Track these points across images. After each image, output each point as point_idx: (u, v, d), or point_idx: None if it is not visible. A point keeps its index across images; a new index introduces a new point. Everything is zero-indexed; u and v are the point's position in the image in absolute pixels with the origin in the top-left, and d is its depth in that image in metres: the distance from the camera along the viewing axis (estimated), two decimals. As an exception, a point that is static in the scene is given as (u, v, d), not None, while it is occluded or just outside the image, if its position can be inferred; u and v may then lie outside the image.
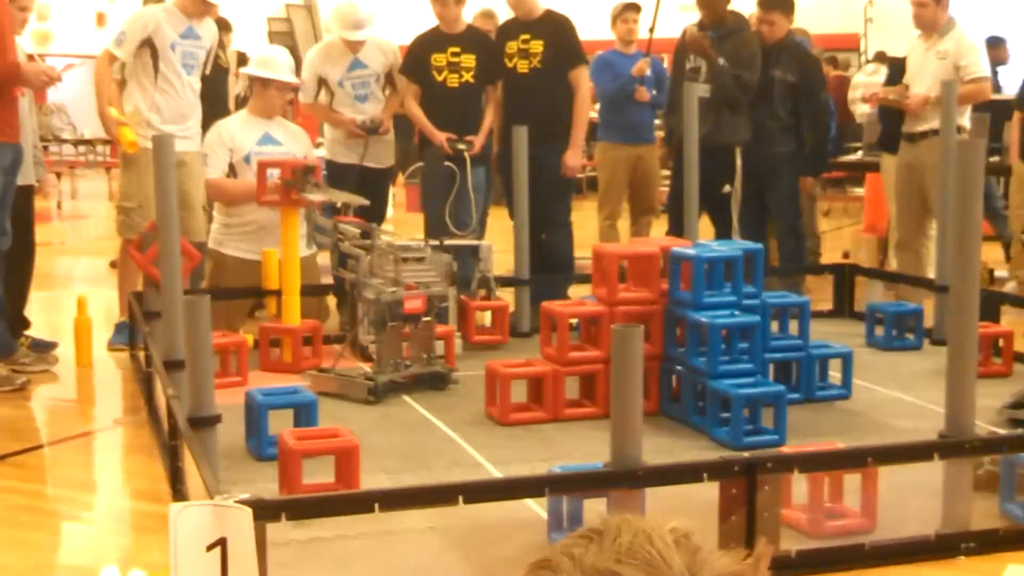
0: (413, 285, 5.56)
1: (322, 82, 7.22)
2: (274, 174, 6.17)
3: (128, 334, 6.47)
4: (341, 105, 7.18)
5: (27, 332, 6.53)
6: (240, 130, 6.83)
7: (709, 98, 7.10)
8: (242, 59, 8.99)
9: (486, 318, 6.61)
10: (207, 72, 6.78)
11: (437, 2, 7.17)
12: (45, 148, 7.50)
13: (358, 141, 7.10)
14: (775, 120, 7.56)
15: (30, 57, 6.01)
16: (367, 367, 5.60)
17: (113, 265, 9.41)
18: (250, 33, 10.24)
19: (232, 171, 6.81)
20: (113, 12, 20.49)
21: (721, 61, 7.32)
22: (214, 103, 7.19)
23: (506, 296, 6.65)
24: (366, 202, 6.07)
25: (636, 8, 8.84)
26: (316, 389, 5.33)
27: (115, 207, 6.90)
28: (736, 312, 4.88)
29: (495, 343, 6.35)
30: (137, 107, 6.52)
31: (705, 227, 7.18)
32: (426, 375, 5.50)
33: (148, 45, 6.48)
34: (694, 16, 7.70)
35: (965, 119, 7.24)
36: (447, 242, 6.24)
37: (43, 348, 6.39)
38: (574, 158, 7.21)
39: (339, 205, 6.08)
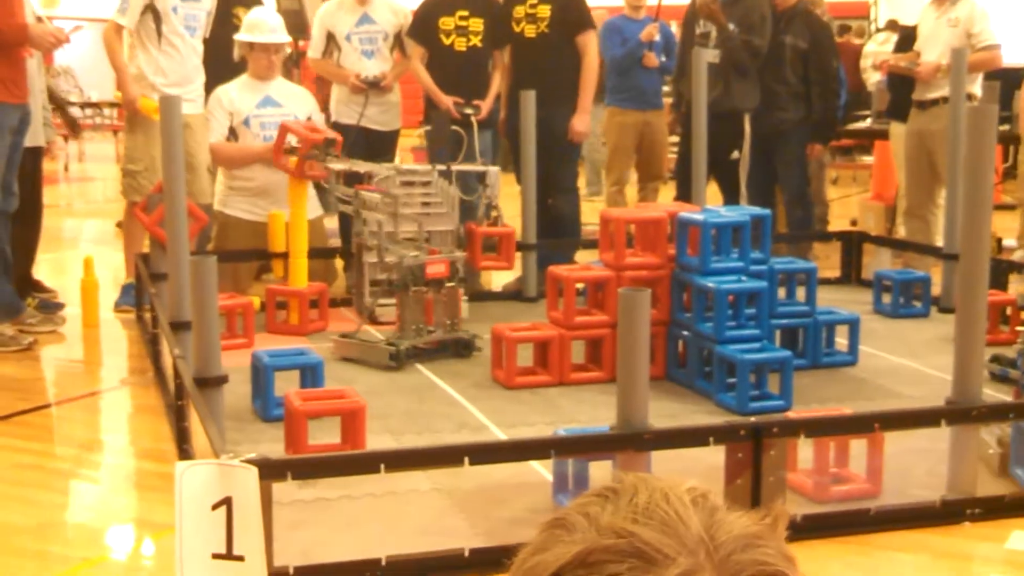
0: (436, 250, 5.55)
1: (331, 38, 7.19)
2: (291, 140, 6.14)
3: (134, 295, 6.47)
4: (347, 61, 7.15)
5: (43, 296, 6.55)
6: (240, 94, 6.81)
7: (718, 64, 7.06)
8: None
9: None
10: (206, 35, 6.75)
11: (447, -35, 7.13)
12: (53, 110, 7.44)
13: (359, 97, 7.07)
14: (785, 86, 7.52)
15: (38, 19, 5.99)
16: (376, 331, 5.59)
17: (120, 226, 9.41)
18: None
19: (232, 135, 6.80)
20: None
21: (731, 26, 7.27)
22: (226, 64, 7.15)
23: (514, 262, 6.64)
24: (388, 172, 6.04)
25: None
26: (339, 354, 5.34)
27: (121, 170, 6.89)
28: (743, 278, 4.87)
29: (500, 268, 6.38)
30: (140, 69, 6.50)
31: (713, 193, 7.16)
32: (450, 341, 5.47)
33: (150, 10, 6.46)
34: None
35: (976, 87, 7.20)
36: (454, 167, 6.25)
37: (50, 309, 6.40)
38: (582, 123, 7.18)
39: (362, 172, 6.05)
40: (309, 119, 6.72)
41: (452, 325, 5.48)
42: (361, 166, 5.96)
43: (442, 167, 6.17)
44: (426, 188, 6.03)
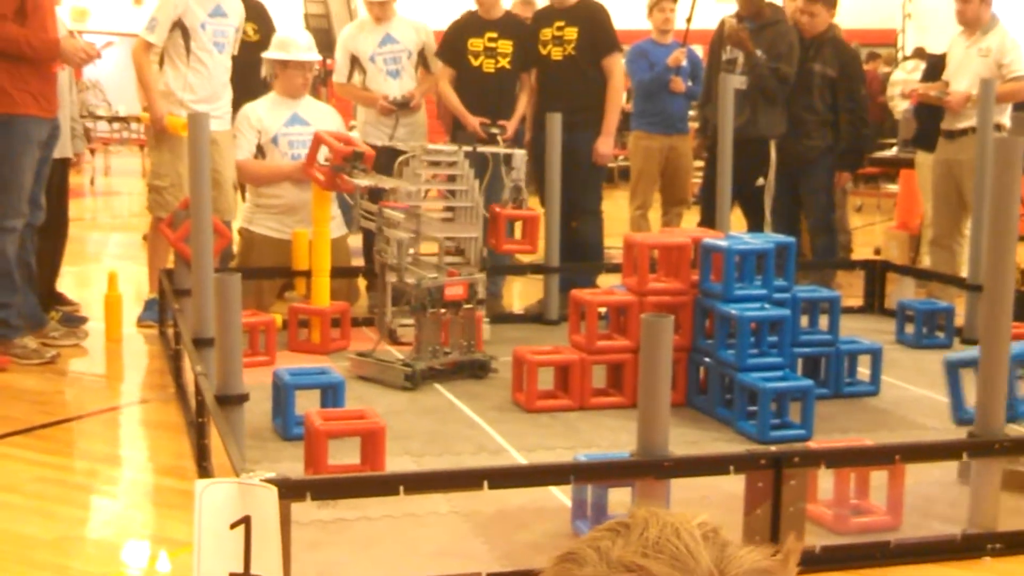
0: (455, 271, 5.56)
1: (355, 61, 7.22)
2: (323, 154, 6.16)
3: (157, 311, 6.50)
4: (373, 82, 7.18)
5: (67, 309, 6.58)
6: (268, 112, 6.84)
7: (745, 90, 7.06)
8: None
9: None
10: (235, 52, 6.78)
11: (477, -14, 7.17)
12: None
13: (388, 118, 7.09)
14: (812, 113, 7.51)
15: (70, 34, 6.04)
16: (395, 350, 5.60)
17: (146, 239, 9.46)
18: (286, 15, 10.23)
19: (260, 152, 6.83)
20: (150, -9, 20.61)
21: (759, 53, 7.27)
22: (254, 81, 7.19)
23: (536, 284, 6.64)
24: (412, 187, 6.06)
25: None
26: (355, 373, 5.35)
27: (146, 185, 6.92)
28: (766, 305, 4.85)
29: (524, 251, 6.37)
30: (168, 85, 6.54)
31: (737, 219, 7.15)
32: (466, 363, 5.47)
33: (179, 27, 6.50)
34: (730, 7, 7.66)
35: (1005, 117, 7.18)
36: (480, 148, 6.26)
37: (73, 322, 6.43)
38: (606, 146, 7.19)
39: (387, 189, 6.07)
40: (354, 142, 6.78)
41: (469, 347, 5.48)
42: (387, 182, 5.98)
43: (468, 147, 6.19)
44: (452, 169, 6.05)
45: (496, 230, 6.24)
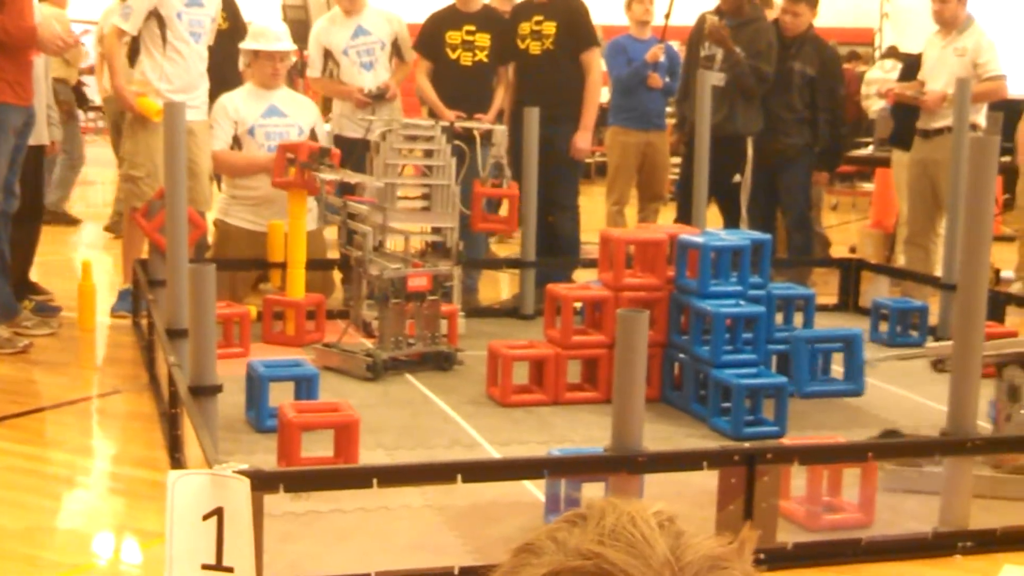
0: (419, 263, 5.56)
1: (328, 55, 7.19)
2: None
3: (131, 301, 6.47)
4: (347, 75, 7.14)
5: (40, 298, 6.54)
6: (244, 103, 6.81)
7: (723, 87, 7.07)
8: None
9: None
10: (211, 42, 6.74)
11: (457, -21, 7.16)
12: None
13: (365, 110, 7.07)
14: (791, 112, 7.53)
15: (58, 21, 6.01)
16: (370, 343, 5.60)
17: (107, 230, 9.43)
18: (265, 5, 10.19)
19: (236, 143, 6.80)
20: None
21: (738, 50, 7.28)
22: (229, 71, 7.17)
23: (510, 278, 6.63)
24: (379, 184, 6.04)
25: None
26: (319, 363, 5.34)
27: (121, 175, 6.87)
28: (741, 302, 4.87)
29: (501, 230, 6.33)
30: (144, 75, 6.50)
31: (712, 216, 7.16)
32: (431, 354, 5.49)
33: (155, 15, 6.43)
34: (709, 3, 7.67)
35: (981, 117, 7.21)
36: (459, 124, 6.24)
37: (47, 312, 6.39)
38: (584, 140, 7.19)
39: (353, 184, 6.06)
40: (312, 131, 6.74)
41: (433, 338, 5.48)
42: (352, 177, 5.97)
43: (445, 123, 6.18)
44: (429, 144, 6.05)
45: (474, 208, 6.21)
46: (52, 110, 7.02)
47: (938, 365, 4.24)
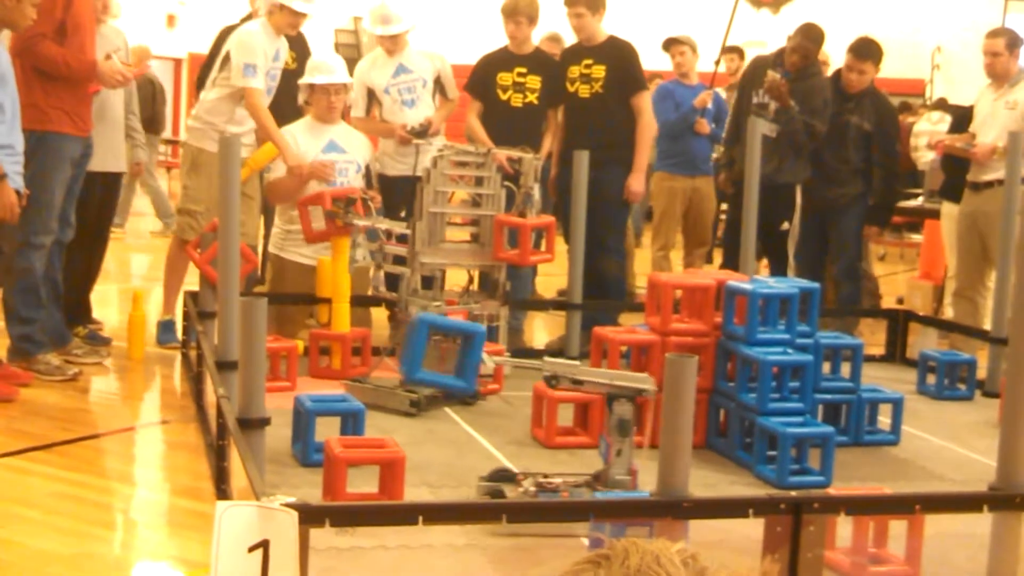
0: (454, 300, 5.59)
1: (371, 95, 7.24)
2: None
3: (174, 331, 6.52)
4: (390, 113, 7.18)
5: (92, 327, 6.61)
6: (304, 137, 6.85)
7: (775, 139, 7.07)
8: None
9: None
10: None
11: (510, 21, 7.21)
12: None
13: (408, 148, 7.09)
14: (845, 164, 7.52)
15: (107, 56, 6.09)
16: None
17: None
18: (318, 44, 10.29)
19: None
20: (183, 14, 20.75)
21: (793, 104, 7.29)
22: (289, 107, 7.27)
23: (558, 319, 6.62)
24: (407, 231, 6.04)
25: (678, 41, 8.81)
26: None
27: (177, 208, 6.94)
28: (789, 350, 4.85)
29: (515, 262, 6.16)
30: (209, 113, 6.60)
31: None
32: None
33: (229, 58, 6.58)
34: (753, 50, 7.68)
35: (1032, 171, 7.17)
36: (494, 150, 6.25)
37: (98, 341, 6.46)
38: (637, 183, 7.19)
39: (383, 229, 6.08)
40: (367, 168, 6.84)
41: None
42: (382, 223, 6.01)
43: (483, 150, 6.26)
44: (479, 171, 6.09)
45: (496, 239, 6.16)
46: (138, 133, 7.26)
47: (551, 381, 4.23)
